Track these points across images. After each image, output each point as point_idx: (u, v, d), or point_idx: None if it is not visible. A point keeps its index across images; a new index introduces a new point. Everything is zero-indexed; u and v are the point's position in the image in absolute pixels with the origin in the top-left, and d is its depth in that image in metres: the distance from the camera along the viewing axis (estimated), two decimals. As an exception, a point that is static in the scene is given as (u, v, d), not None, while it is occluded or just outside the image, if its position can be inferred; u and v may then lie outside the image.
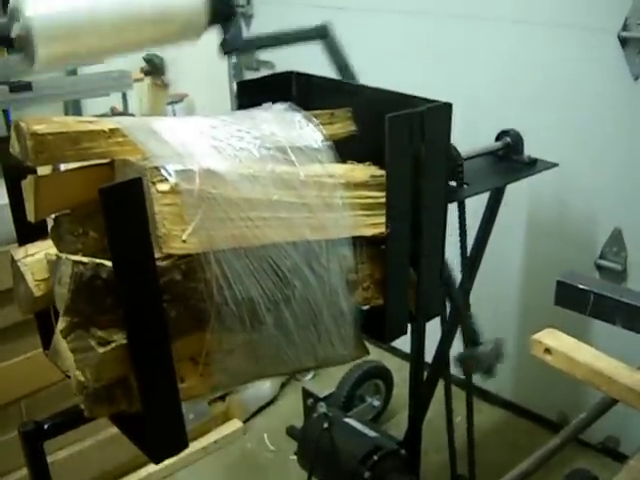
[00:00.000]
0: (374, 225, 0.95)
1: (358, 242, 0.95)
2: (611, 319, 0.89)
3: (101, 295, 0.73)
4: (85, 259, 0.71)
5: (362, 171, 0.97)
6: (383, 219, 0.94)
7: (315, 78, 1.14)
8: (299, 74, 1.16)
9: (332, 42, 1.51)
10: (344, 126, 1.02)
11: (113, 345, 0.74)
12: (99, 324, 0.73)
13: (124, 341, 0.74)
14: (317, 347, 0.92)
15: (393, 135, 0.91)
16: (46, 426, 1.00)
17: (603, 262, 1.93)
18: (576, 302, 0.92)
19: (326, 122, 0.99)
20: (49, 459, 1.03)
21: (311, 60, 1.39)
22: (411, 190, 0.97)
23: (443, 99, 0.98)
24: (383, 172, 0.94)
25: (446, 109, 0.97)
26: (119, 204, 0.70)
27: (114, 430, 0.92)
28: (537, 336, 0.98)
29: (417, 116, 0.93)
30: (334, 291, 0.91)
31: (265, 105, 1.04)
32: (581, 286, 0.91)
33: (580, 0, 1.79)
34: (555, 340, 0.97)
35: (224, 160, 0.82)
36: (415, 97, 0.99)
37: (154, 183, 0.76)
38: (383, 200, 0.94)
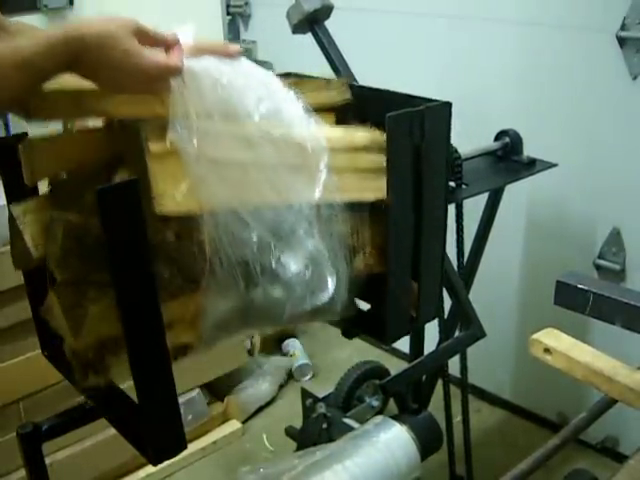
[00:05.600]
0: (375, 189, 0.94)
1: (359, 206, 0.94)
2: (611, 319, 0.89)
3: (93, 252, 0.72)
4: (77, 216, 0.71)
5: (362, 134, 0.95)
6: (384, 183, 0.93)
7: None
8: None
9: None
10: (339, 93, 1.01)
11: (103, 302, 0.73)
12: (91, 282, 0.73)
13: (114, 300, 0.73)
14: (310, 307, 0.90)
15: (393, 134, 0.91)
16: (44, 428, 1.00)
17: (602, 262, 1.93)
18: (576, 302, 0.91)
19: (322, 88, 0.99)
20: (47, 460, 1.03)
21: (310, 60, 1.39)
22: (412, 191, 0.96)
23: (441, 99, 0.98)
24: (384, 135, 0.92)
25: (446, 108, 0.96)
26: (115, 205, 0.70)
27: (112, 431, 0.91)
28: (537, 336, 0.98)
29: (417, 115, 0.93)
30: (333, 254, 0.90)
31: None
32: (581, 286, 0.91)
33: (578, 0, 1.79)
34: (555, 340, 0.97)
35: (223, 121, 0.80)
36: (415, 97, 0.98)
37: (148, 143, 0.75)
38: (384, 164, 0.93)
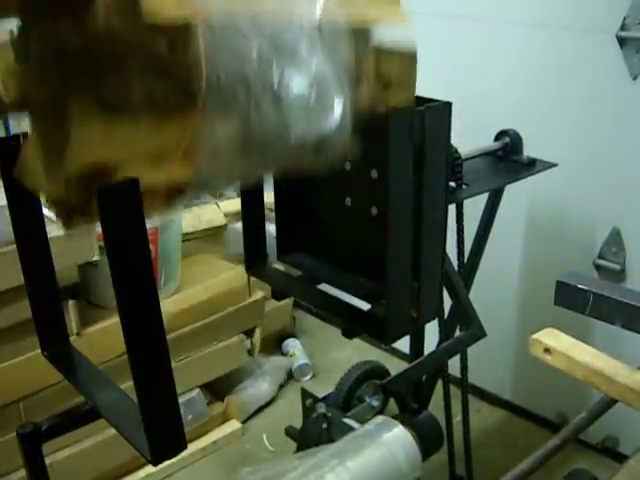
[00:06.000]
0: (378, 16, 0.88)
1: (363, 35, 0.89)
2: (611, 319, 0.89)
3: (74, 62, 0.68)
4: (53, 30, 0.68)
5: None
6: (387, 11, 0.90)
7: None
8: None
9: None
10: None
11: (89, 121, 0.69)
12: (74, 99, 0.68)
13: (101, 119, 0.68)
14: (315, 136, 0.85)
15: (394, 134, 0.91)
16: (44, 428, 0.99)
17: (602, 262, 1.93)
18: (576, 302, 0.92)
19: None
20: (47, 460, 1.03)
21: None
22: (412, 191, 0.96)
23: (442, 99, 0.98)
24: None
25: (446, 108, 0.96)
26: (116, 203, 0.69)
27: (112, 431, 0.91)
28: (537, 336, 0.98)
29: (418, 115, 0.93)
30: (337, 78, 0.85)
31: None
32: (581, 286, 0.91)
33: (578, 0, 1.79)
34: (555, 340, 0.97)
35: None
36: (416, 96, 0.98)
37: None
38: None
